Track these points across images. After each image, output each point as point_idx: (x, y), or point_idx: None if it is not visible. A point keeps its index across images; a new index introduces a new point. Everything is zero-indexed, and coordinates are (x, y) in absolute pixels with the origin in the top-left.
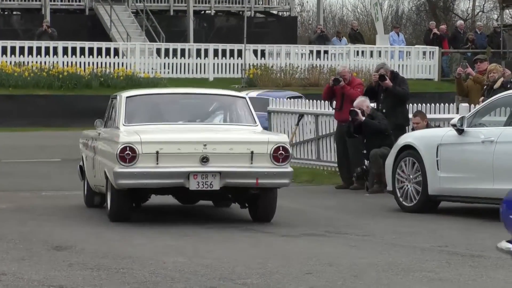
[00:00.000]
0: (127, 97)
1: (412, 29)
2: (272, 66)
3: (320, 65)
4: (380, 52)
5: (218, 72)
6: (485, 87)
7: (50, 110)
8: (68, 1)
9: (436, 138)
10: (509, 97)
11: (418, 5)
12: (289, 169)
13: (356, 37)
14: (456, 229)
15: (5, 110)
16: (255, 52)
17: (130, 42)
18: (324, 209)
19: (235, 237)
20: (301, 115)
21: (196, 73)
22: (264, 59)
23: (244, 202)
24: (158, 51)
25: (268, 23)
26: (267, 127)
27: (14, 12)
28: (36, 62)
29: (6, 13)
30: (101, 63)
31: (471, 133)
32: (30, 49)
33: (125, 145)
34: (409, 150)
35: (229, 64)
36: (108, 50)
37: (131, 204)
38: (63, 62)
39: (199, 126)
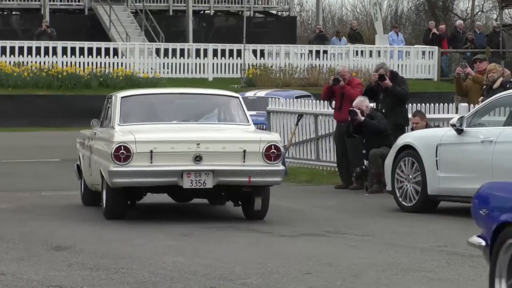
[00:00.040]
0: (122, 97)
1: (412, 29)
2: (271, 66)
3: (319, 65)
4: (379, 52)
5: (217, 72)
6: (485, 87)
7: (50, 110)
8: (67, 1)
9: (435, 138)
10: (509, 97)
11: (418, 5)
12: (281, 167)
13: (355, 37)
14: (455, 229)
15: (5, 110)
16: (254, 52)
17: (129, 42)
18: (323, 209)
19: (234, 237)
20: (300, 115)
21: (196, 73)
22: (264, 59)
23: (237, 200)
24: (158, 51)
25: (268, 23)
26: None
27: (13, 12)
28: (35, 62)
29: (5, 13)
30: (101, 63)
31: (471, 133)
32: (29, 49)
33: (120, 144)
34: (408, 150)
35: (229, 64)
36: (107, 50)
37: (126, 202)
38: (62, 62)
39: (192, 125)
